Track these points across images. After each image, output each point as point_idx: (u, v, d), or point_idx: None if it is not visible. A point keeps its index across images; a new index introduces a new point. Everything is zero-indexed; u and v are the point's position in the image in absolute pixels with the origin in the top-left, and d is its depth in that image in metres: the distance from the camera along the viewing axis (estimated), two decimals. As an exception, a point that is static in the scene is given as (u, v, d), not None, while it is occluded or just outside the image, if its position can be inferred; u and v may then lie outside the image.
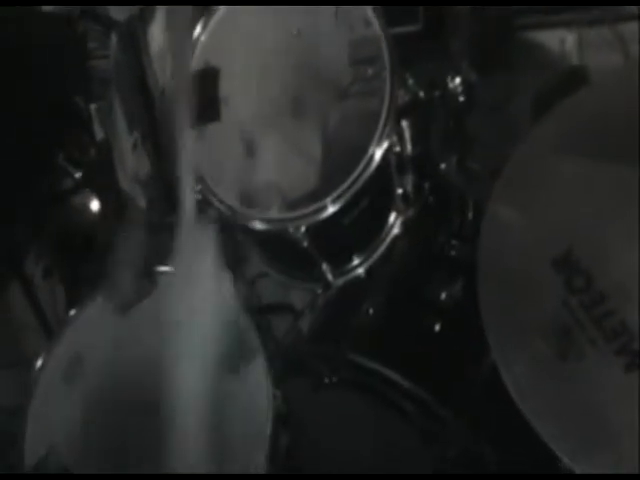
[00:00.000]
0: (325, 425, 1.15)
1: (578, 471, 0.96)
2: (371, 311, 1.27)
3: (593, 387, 1.02)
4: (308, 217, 1.18)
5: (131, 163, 1.46)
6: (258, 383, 1.07)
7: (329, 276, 1.27)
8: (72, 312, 1.19)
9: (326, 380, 1.17)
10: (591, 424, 1.00)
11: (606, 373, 1.02)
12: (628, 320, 1.04)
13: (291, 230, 1.20)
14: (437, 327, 1.25)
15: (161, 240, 1.37)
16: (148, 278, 1.17)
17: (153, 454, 1.04)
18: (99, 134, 1.50)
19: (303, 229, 1.19)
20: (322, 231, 1.22)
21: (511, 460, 1.11)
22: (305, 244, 1.23)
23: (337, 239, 1.29)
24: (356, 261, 1.32)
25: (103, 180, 1.43)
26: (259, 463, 1.01)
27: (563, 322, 1.05)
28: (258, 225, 1.22)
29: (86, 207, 1.48)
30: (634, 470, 0.95)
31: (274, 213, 1.20)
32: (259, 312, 1.39)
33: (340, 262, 1.32)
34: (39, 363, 1.16)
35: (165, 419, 1.05)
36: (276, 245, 1.38)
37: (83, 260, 1.42)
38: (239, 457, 1.03)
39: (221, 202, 1.22)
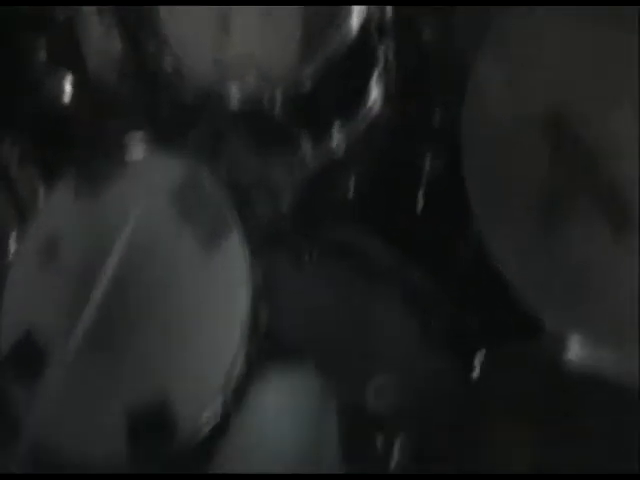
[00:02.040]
0: (306, 301, 1.13)
1: (561, 332, 0.95)
2: (352, 186, 1.23)
3: (581, 250, 0.99)
4: (285, 87, 1.13)
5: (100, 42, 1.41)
6: (234, 258, 1.04)
7: (308, 151, 1.23)
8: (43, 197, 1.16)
9: (306, 256, 1.14)
10: (577, 288, 0.98)
11: (594, 234, 0.99)
12: (618, 182, 1.01)
13: (266, 104, 1.15)
14: (424, 198, 1.21)
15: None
16: (117, 157, 1.13)
17: (131, 332, 1.04)
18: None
19: (279, 102, 1.15)
20: (300, 105, 1.17)
21: (495, 329, 1.09)
22: (282, 119, 1.18)
23: (316, 113, 1.24)
24: (336, 135, 1.28)
25: (71, 59, 1.37)
26: (235, 338, 0.99)
27: (550, 185, 1.03)
28: (234, 93, 1.17)
29: (59, 92, 1.43)
30: (619, 332, 0.94)
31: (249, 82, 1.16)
32: (238, 191, 1.38)
33: (320, 137, 1.27)
34: (12, 248, 1.14)
35: (142, 299, 1.05)
36: (254, 123, 1.33)
37: (59, 146, 1.38)
38: (216, 332, 1.01)
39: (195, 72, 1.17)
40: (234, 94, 1.15)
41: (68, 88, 1.39)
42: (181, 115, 1.40)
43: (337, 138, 1.26)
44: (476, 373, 0.99)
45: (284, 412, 0.98)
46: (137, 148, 1.17)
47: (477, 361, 1.00)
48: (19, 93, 1.42)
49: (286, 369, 1.04)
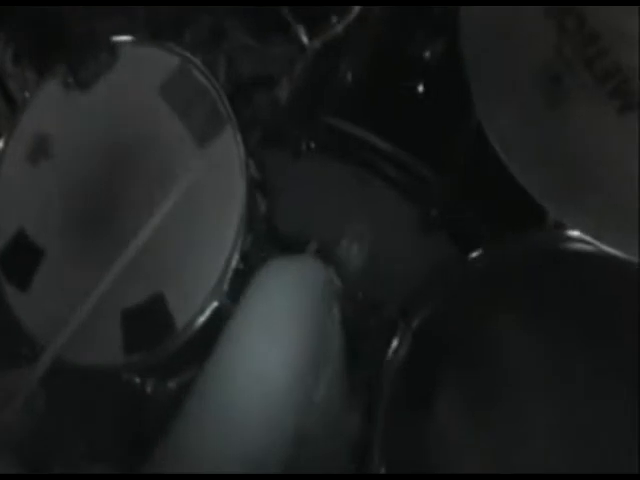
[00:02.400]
0: (306, 193, 1.11)
1: (564, 221, 0.93)
2: (350, 74, 1.19)
3: (584, 133, 0.96)
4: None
5: None
6: (229, 153, 1.02)
7: (304, 38, 1.19)
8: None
9: (304, 147, 1.12)
10: (579, 172, 0.95)
11: (598, 117, 0.96)
12: (622, 60, 0.97)
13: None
14: (420, 87, 1.17)
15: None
16: (107, 50, 1.10)
17: (125, 230, 1.02)
18: None
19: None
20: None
21: (497, 217, 1.07)
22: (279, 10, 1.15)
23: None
24: (333, 20, 1.23)
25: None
26: (232, 234, 0.98)
27: (553, 67, 0.98)
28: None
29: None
30: (619, 215, 0.92)
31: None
32: (238, 88, 1.35)
33: (317, 26, 1.23)
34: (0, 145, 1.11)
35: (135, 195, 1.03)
36: (252, 13, 1.29)
37: (53, 45, 1.35)
38: (212, 228, 1.00)
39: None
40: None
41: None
42: (179, 10, 1.37)
43: (334, 27, 1.23)
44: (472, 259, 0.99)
45: (286, 304, 0.96)
46: (130, 42, 1.12)
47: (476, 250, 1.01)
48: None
49: (286, 260, 1.02)
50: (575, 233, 0.95)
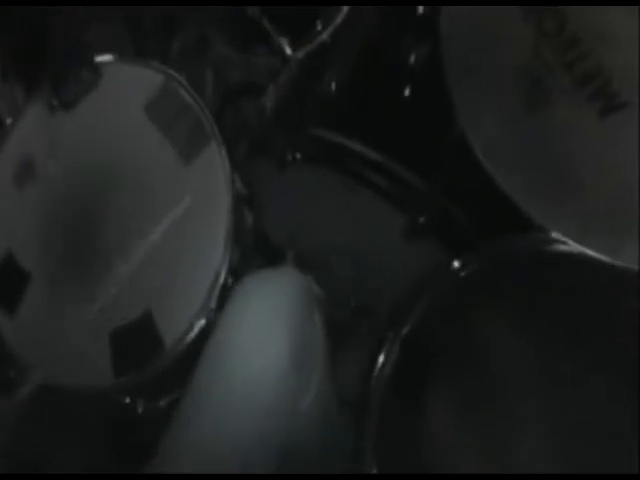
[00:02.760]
0: (293, 203, 1.12)
1: (547, 225, 0.94)
2: (334, 82, 1.20)
3: (565, 137, 0.96)
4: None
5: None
6: (214, 169, 1.02)
7: (287, 49, 1.19)
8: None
9: (290, 157, 1.12)
10: (561, 176, 0.95)
11: (579, 120, 0.96)
12: (603, 62, 0.97)
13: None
14: (406, 92, 1.17)
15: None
16: (90, 69, 1.10)
17: (113, 252, 1.03)
18: None
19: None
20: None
21: (483, 223, 1.07)
22: (257, 16, 1.15)
23: (293, 7, 1.19)
24: (317, 28, 1.23)
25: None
26: (218, 250, 0.99)
27: (532, 71, 0.99)
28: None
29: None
30: (601, 218, 0.92)
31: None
32: (225, 96, 1.35)
33: (300, 32, 1.23)
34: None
35: (120, 213, 1.04)
36: (233, 25, 1.29)
37: (39, 58, 1.35)
38: (197, 245, 1.01)
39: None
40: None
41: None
42: (162, 23, 1.37)
43: (318, 36, 1.22)
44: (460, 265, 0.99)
45: (264, 314, 0.96)
46: (113, 61, 1.13)
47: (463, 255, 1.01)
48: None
49: (271, 272, 1.03)
50: (560, 236, 0.95)
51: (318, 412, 0.94)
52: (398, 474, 0.97)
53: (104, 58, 1.12)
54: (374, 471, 0.95)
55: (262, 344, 0.91)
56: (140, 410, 1.08)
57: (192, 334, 0.97)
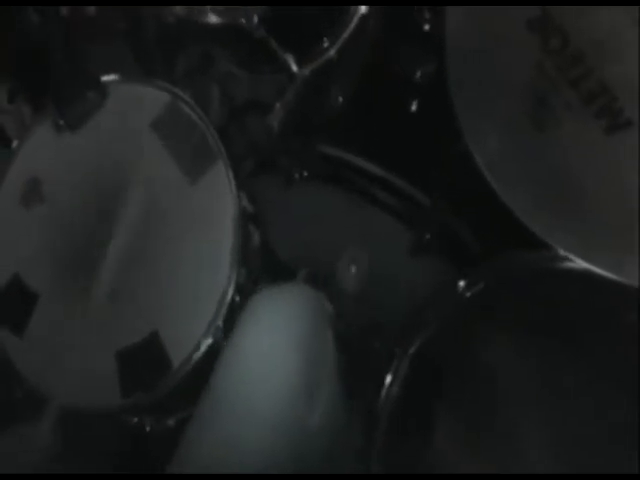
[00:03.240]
0: (299, 221, 1.12)
1: (551, 242, 0.94)
2: (341, 98, 1.20)
3: (571, 155, 0.96)
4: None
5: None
6: (220, 187, 1.02)
7: (293, 66, 1.20)
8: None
9: (296, 175, 1.12)
10: (566, 193, 0.95)
11: (585, 137, 0.96)
12: (608, 80, 0.97)
13: (244, 21, 1.12)
14: (413, 108, 1.17)
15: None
16: (96, 89, 1.11)
17: (116, 268, 1.03)
18: None
19: (256, 19, 1.12)
20: (280, 18, 1.14)
21: (489, 239, 1.07)
22: (264, 35, 1.15)
23: (299, 25, 1.21)
24: (323, 46, 1.23)
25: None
26: (225, 269, 0.99)
27: (538, 88, 0.99)
28: (212, 18, 1.14)
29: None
30: (607, 235, 0.92)
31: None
32: (231, 114, 1.35)
33: (307, 53, 1.23)
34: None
35: (126, 232, 1.04)
36: (239, 43, 1.30)
37: (45, 78, 1.36)
38: (204, 263, 1.01)
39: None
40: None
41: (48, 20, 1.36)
42: (165, 42, 1.38)
43: (325, 53, 1.23)
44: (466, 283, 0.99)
45: (276, 332, 0.96)
46: (119, 80, 1.14)
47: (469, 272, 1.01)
48: (1, 28, 1.39)
49: (275, 289, 1.03)
50: (564, 252, 0.95)
51: (328, 428, 0.94)
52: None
53: (109, 78, 1.13)
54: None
55: (273, 360, 0.91)
56: (148, 429, 1.09)
57: (199, 353, 0.98)
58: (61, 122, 1.10)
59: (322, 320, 0.99)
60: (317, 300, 1.01)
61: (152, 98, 1.10)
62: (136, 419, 1.08)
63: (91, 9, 1.32)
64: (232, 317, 0.98)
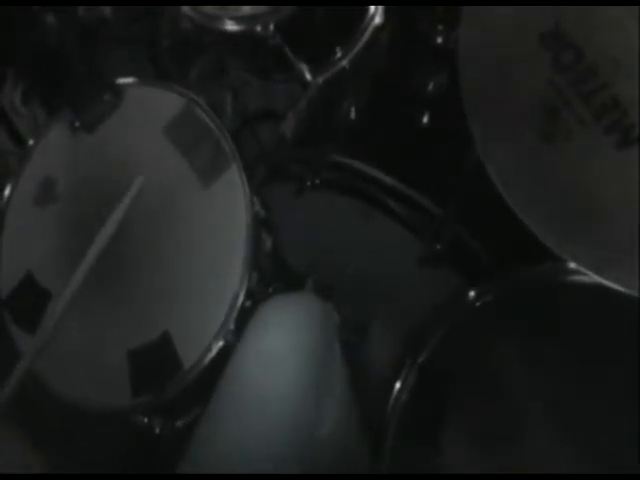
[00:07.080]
0: (310, 229, 1.13)
1: (564, 255, 0.94)
2: (353, 108, 1.21)
3: (582, 169, 0.97)
4: (274, 13, 1.11)
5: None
6: (233, 192, 1.03)
7: (307, 75, 1.21)
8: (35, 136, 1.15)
9: (308, 183, 1.13)
10: (579, 207, 0.96)
11: (596, 153, 0.96)
12: (620, 95, 0.98)
13: (259, 29, 1.13)
14: (425, 119, 1.18)
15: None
16: (112, 91, 1.12)
17: (129, 269, 1.04)
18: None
19: (272, 27, 1.13)
20: (296, 28, 1.15)
21: (500, 251, 1.08)
22: (279, 44, 1.16)
23: (313, 35, 1.22)
24: (337, 59, 1.24)
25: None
26: (237, 273, 1.00)
27: (550, 103, 0.99)
28: (228, 25, 1.15)
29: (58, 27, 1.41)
30: (619, 249, 0.92)
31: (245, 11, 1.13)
32: (244, 121, 1.36)
33: (320, 62, 1.24)
34: (7, 191, 1.12)
35: (140, 236, 1.04)
36: (254, 51, 1.31)
37: (61, 80, 1.37)
38: (216, 267, 1.01)
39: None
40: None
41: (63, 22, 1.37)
42: (180, 48, 1.39)
43: (338, 62, 1.24)
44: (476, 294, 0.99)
45: (284, 340, 0.96)
46: (134, 83, 1.14)
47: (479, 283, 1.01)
48: (19, 29, 1.40)
49: (284, 297, 1.03)
50: (575, 266, 0.96)
51: (336, 438, 0.94)
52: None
53: (125, 80, 1.14)
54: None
55: (283, 366, 0.91)
56: (158, 430, 1.09)
57: (210, 355, 0.98)
58: (77, 123, 1.11)
59: (330, 330, 0.99)
60: (325, 311, 1.02)
61: (167, 101, 1.11)
62: (146, 419, 1.08)
63: (107, 11, 1.34)
64: (243, 321, 0.98)
